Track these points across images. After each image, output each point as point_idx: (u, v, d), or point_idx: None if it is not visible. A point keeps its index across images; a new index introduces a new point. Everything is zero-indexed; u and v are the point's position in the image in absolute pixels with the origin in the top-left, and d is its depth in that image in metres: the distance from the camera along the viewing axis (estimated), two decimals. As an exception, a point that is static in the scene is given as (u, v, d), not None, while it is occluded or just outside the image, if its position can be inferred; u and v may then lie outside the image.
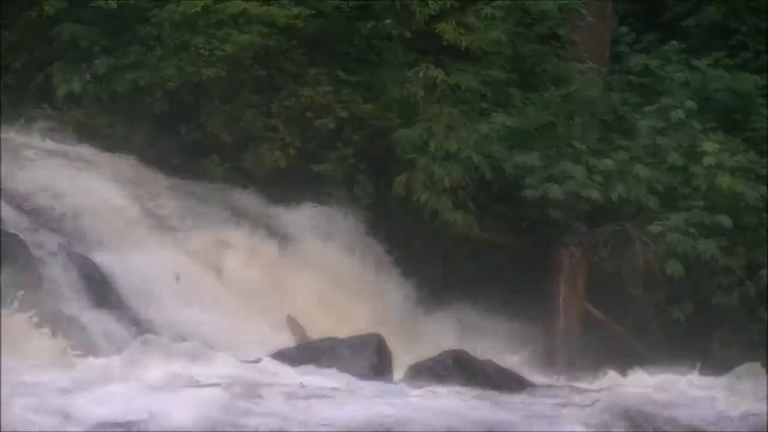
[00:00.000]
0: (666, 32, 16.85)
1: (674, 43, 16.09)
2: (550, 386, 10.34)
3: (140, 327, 10.93)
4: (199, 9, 13.56)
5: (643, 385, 10.34)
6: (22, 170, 12.15)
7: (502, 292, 13.17)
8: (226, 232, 12.63)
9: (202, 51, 13.42)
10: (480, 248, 13.61)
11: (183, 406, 7.70)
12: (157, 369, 9.28)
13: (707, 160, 13.87)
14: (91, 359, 9.50)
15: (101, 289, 11.17)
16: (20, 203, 11.72)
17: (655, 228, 13.42)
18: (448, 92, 13.87)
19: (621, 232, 13.54)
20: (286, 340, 10.72)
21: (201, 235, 12.46)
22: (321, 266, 12.74)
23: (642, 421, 7.83)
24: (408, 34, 14.35)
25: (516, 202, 13.57)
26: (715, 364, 11.36)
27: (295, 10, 13.68)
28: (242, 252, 12.41)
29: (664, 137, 14.26)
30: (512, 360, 11.84)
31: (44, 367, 9.08)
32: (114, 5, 13.74)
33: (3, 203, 11.50)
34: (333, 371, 9.47)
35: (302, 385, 8.70)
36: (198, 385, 8.62)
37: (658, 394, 9.58)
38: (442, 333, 12.69)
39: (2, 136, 12.66)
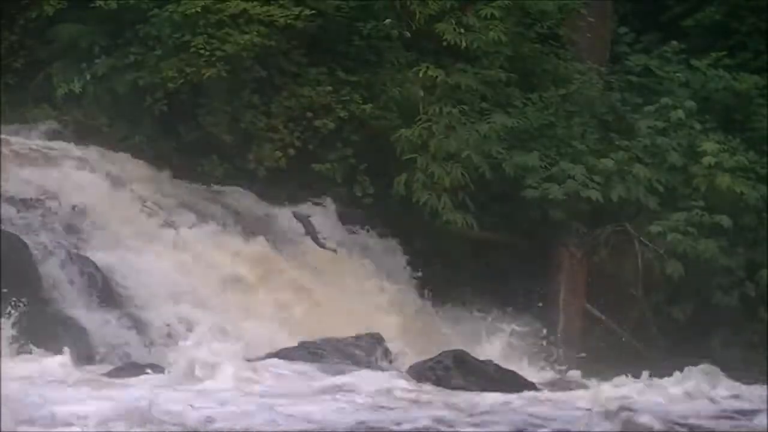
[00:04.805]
0: (666, 32, 16.84)
1: (674, 43, 16.09)
2: (549, 386, 10.33)
3: (140, 327, 10.94)
4: (199, 9, 13.55)
5: (642, 384, 10.33)
6: (22, 170, 12.15)
7: (502, 292, 13.17)
8: (226, 232, 12.63)
9: (202, 51, 13.41)
10: (480, 248, 13.62)
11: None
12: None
13: (707, 160, 13.88)
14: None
15: (101, 289, 11.17)
16: (20, 203, 11.72)
17: (655, 228, 13.43)
18: (448, 92, 13.87)
19: (621, 232, 13.55)
20: (286, 340, 10.71)
21: (201, 235, 12.46)
22: (320, 266, 12.75)
23: (641, 422, 7.84)
24: (408, 34, 14.35)
25: (516, 202, 13.57)
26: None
27: (295, 10, 13.68)
28: (242, 252, 12.41)
29: (664, 137, 14.25)
30: (512, 360, 11.83)
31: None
32: (114, 5, 13.74)
33: (3, 203, 11.51)
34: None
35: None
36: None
37: (656, 393, 9.57)
38: (442, 333, 12.69)
39: (2, 136, 12.66)
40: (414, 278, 13.30)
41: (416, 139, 13.40)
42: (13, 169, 12.06)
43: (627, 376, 10.49)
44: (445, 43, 14.11)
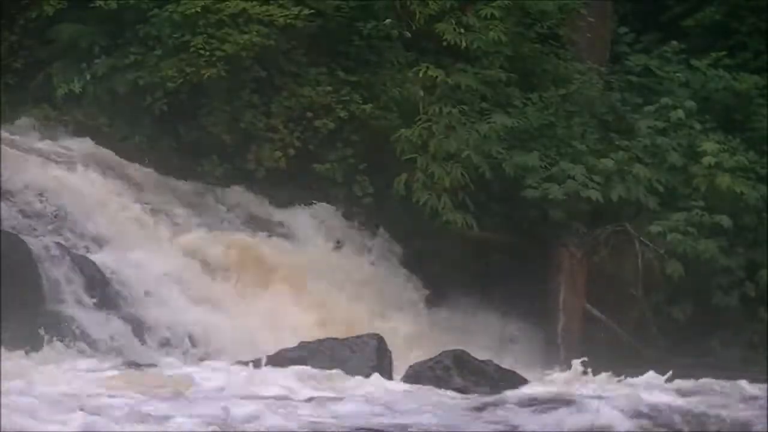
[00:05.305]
0: (666, 32, 16.84)
1: (674, 43, 16.08)
2: (549, 386, 10.31)
3: (140, 327, 10.94)
4: (198, 9, 13.56)
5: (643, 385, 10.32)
6: (22, 170, 12.15)
7: (503, 292, 13.18)
8: (225, 232, 12.64)
9: (202, 51, 13.41)
10: (480, 248, 13.62)
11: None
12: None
13: (707, 160, 13.89)
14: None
15: (101, 289, 11.18)
16: (20, 203, 11.72)
17: (655, 228, 13.43)
18: (448, 92, 13.87)
19: (621, 232, 13.55)
20: (286, 340, 10.70)
21: (201, 235, 12.47)
22: (320, 266, 12.75)
23: (641, 422, 7.84)
24: (408, 34, 14.35)
25: (516, 202, 13.57)
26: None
27: (295, 10, 13.68)
28: (242, 252, 12.41)
29: (664, 137, 14.26)
30: (512, 360, 11.83)
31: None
32: (114, 5, 13.75)
33: (3, 203, 11.50)
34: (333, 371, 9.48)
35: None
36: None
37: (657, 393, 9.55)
38: (442, 333, 12.69)
39: (2, 136, 12.66)
40: (413, 278, 13.31)
41: (416, 139, 13.40)
42: (14, 169, 12.06)
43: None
44: (445, 43, 14.12)
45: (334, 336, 10.35)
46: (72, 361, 9.69)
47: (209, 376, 9.12)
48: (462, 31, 14.13)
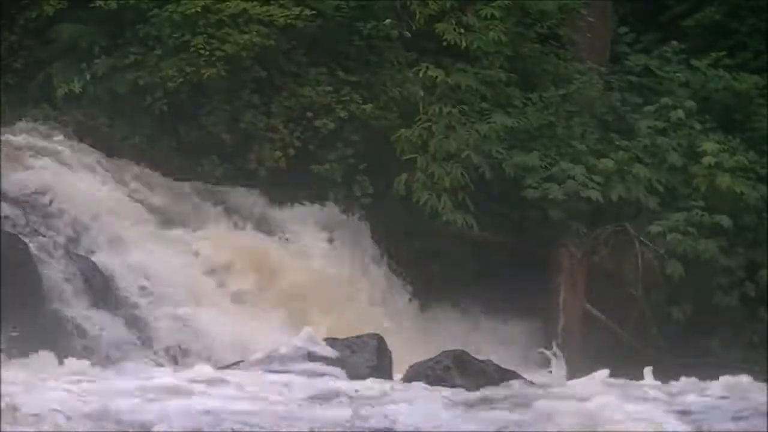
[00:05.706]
0: (666, 32, 16.84)
1: (674, 43, 16.09)
2: (549, 386, 10.31)
3: (140, 327, 10.94)
4: (199, 9, 13.56)
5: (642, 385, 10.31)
6: (22, 170, 12.15)
7: (502, 292, 13.18)
8: (225, 232, 12.64)
9: (202, 51, 13.41)
10: (480, 248, 13.62)
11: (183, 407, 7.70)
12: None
13: (707, 160, 13.89)
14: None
15: (101, 289, 11.18)
16: (20, 204, 11.72)
17: (655, 228, 13.44)
18: (448, 92, 13.87)
19: (621, 232, 13.56)
20: (285, 340, 10.71)
21: (201, 235, 12.47)
22: (321, 266, 12.75)
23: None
24: (408, 34, 14.35)
25: (516, 202, 13.58)
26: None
27: (295, 10, 13.68)
28: (242, 252, 12.41)
29: (664, 137, 14.26)
30: (512, 360, 11.83)
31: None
32: (114, 5, 13.74)
33: (3, 203, 11.51)
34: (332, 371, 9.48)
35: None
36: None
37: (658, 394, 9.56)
38: (442, 333, 12.70)
39: (2, 136, 12.66)
40: (413, 278, 13.31)
41: (416, 139, 13.41)
42: (14, 169, 12.06)
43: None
44: (445, 43, 14.12)
45: (333, 336, 10.34)
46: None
47: (208, 375, 9.11)
48: (462, 31, 14.13)
